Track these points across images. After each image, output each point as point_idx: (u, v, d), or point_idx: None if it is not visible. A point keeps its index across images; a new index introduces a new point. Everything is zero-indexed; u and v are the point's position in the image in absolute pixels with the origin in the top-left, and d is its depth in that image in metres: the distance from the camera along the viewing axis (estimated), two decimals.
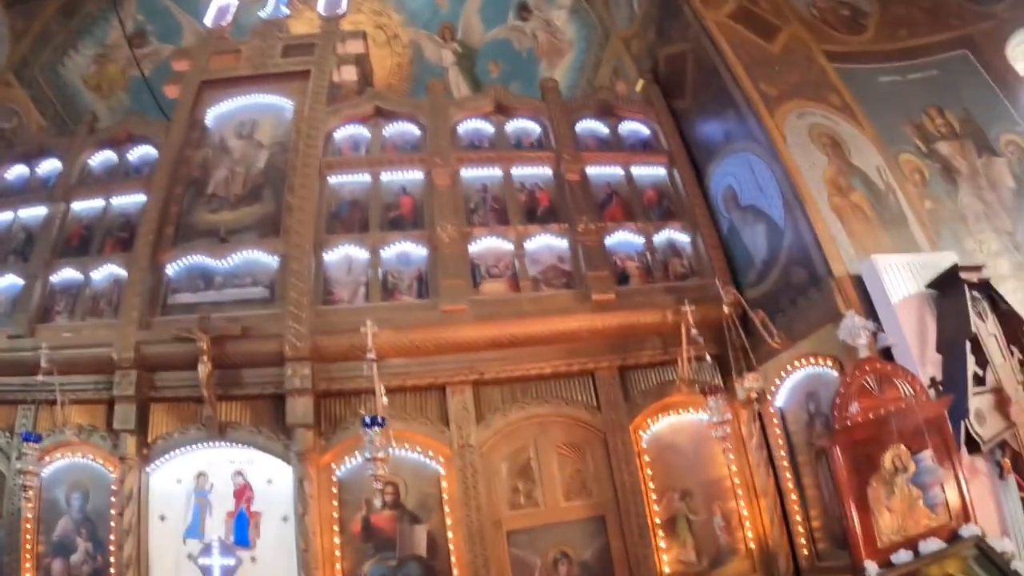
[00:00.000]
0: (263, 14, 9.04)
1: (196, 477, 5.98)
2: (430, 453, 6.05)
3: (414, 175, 7.23)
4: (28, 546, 5.91)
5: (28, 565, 5.86)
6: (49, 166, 7.97)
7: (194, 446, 6.04)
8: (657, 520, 6.22)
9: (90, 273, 6.91)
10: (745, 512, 6.44)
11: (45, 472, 5.96)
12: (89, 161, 7.84)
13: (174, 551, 5.78)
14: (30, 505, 5.95)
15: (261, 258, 6.53)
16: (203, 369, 5.89)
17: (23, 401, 6.42)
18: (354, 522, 5.72)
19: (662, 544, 6.17)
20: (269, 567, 5.63)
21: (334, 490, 5.85)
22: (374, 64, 10.71)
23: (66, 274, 6.97)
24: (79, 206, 7.44)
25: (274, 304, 6.27)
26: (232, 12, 9.38)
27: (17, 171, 8.13)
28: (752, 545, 6.35)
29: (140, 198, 7.19)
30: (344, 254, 6.60)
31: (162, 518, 5.90)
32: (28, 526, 5.94)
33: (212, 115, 7.57)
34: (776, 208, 6.52)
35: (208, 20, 9.44)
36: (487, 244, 6.94)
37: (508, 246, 6.98)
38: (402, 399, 6.19)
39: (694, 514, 6.34)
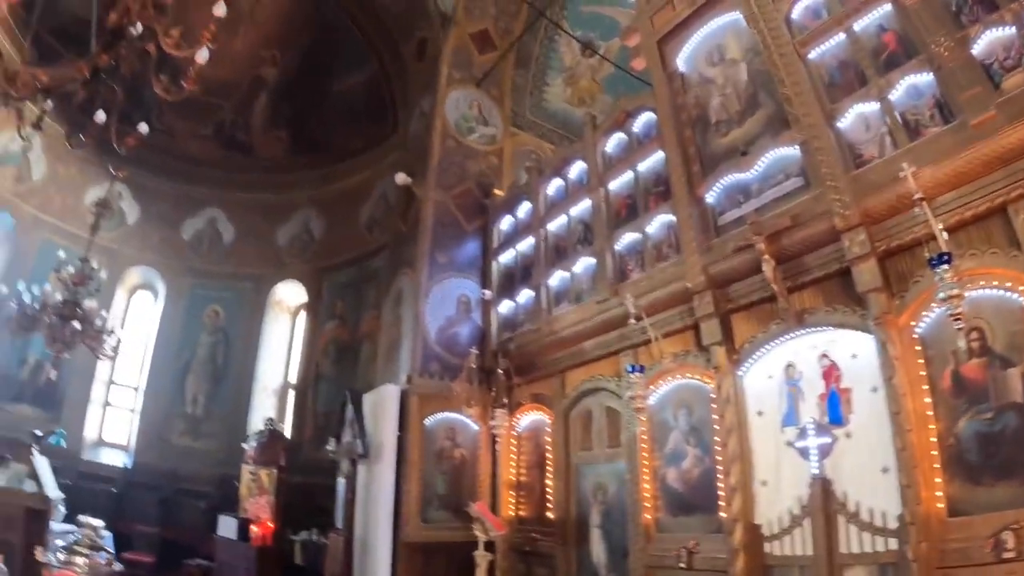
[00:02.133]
0: None
1: (784, 369, 6.48)
2: (1008, 285, 5.36)
3: (883, 8, 7.05)
4: (645, 462, 7.51)
5: (646, 477, 7.47)
6: (577, 169, 9.97)
7: (776, 341, 6.58)
8: None
9: (645, 229, 8.33)
10: None
11: (652, 400, 7.48)
12: (605, 149, 9.47)
13: (773, 441, 6.39)
14: (644, 428, 7.55)
15: (783, 153, 6.87)
16: (768, 268, 6.41)
17: (622, 349, 8.27)
18: (942, 378, 5.47)
19: None
20: (863, 440, 5.78)
21: (917, 348, 5.71)
22: None
23: (627, 239, 8.58)
24: (614, 184, 9.05)
25: (811, 187, 6.53)
26: None
27: (555, 185, 10.40)
28: None
29: (659, 155, 8.37)
30: (855, 114, 6.72)
31: (759, 413, 6.59)
32: (644, 446, 7.55)
33: (681, 61, 8.31)
34: None
35: None
36: (990, 38, 6.38)
37: (1009, 31, 6.30)
38: (965, 235, 5.96)
39: None
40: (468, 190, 12.04)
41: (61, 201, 13.64)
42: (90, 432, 14.00)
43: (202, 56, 4.31)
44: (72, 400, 13.43)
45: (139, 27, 4.34)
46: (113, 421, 14.57)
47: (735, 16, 7.85)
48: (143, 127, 5.95)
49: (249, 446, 11.80)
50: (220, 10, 4.07)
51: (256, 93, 15.87)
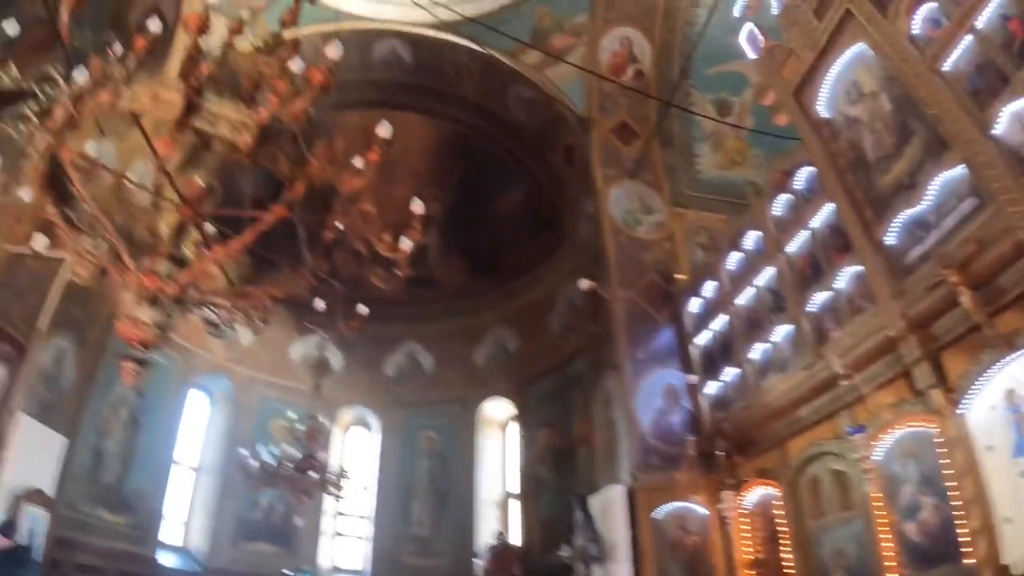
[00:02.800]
0: (774, 9, 9.76)
1: (1005, 396, 6.20)
2: None
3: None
4: (882, 520, 7.27)
5: (885, 535, 7.19)
6: (751, 238, 10.18)
7: (991, 370, 6.30)
8: None
9: (834, 285, 8.31)
10: None
11: (877, 456, 7.34)
12: (774, 213, 9.62)
13: (1008, 474, 6.05)
14: (874, 486, 7.35)
15: (950, 176, 6.75)
16: (965, 298, 6.28)
17: (837, 410, 8.20)
18: None
19: None
20: None
21: None
22: None
23: (818, 298, 8.57)
24: (792, 246, 9.14)
25: (987, 205, 6.21)
26: (758, 31, 10.60)
27: (734, 258, 10.62)
28: None
29: (829, 207, 8.42)
30: (1008, 116, 6.45)
31: (989, 448, 6.26)
32: (877, 503, 7.32)
33: (822, 107, 8.39)
34: None
35: (749, 49, 10.76)
36: None
37: None
38: None
39: None
40: (650, 282, 12.36)
41: (269, 358, 15.41)
42: (324, 562, 15.19)
43: (408, 245, 4.92)
44: (304, 534, 14.67)
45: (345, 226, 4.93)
46: (344, 549, 15.73)
47: (860, 48, 7.88)
48: (363, 309, 6.66)
49: (482, 559, 12.33)
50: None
51: (426, 230, 17.21)
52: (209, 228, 5.11)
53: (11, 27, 4.49)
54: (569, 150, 14.25)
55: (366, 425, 17.09)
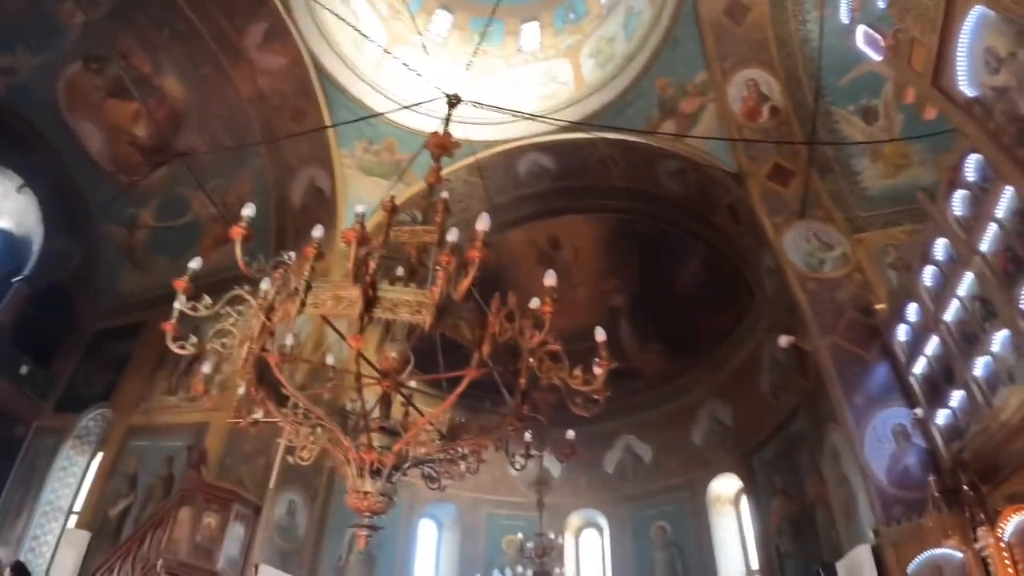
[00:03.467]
0: (881, 2, 9.24)
1: None
2: None
3: None
4: None
5: None
6: (940, 247, 9.43)
7: None
8: None
9: None
10: None
11: None
12: (955, 214, 8.86)
13: None
14: None
15: None
16: None
17: None
18: None
19: None
20: None
21: None
22: None
23: None
24: (984, 244, 8.31)
25: None
26: (872, 31, 9.97)
27: (929, 273, 9.81)
28: None
29: (1008, 191, 7.74)
30: None
31: None
32: None
33: (965, 87, 7.59)
34: None
35: (869, 51, 10.07)
36: None
37: None
38: None
39: None
40: (851, 320, 11.64)
41: (490, 478, 15.64)
42: None
43: (602, 373, 5.10)
44: None
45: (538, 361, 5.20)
46: None
47: (980, 11, 7.29)
48: (570, 434, 6.75)
49: None
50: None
51: (616, 322, 17.40)
52: (413, 384, 5.60)
53: (196, 263, 5.30)
54: (732, 208, 14.04)
55: (595, 526, 17.06)
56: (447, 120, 7.46)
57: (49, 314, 18.94)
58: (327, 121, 15.05)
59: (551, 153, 15.42)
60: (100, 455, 15.48)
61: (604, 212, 16.63)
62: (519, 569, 12.02)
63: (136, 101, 15.94)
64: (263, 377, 5.03)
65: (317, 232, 4.91)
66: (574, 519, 16.92)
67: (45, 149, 18.01)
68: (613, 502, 16.69)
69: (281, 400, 5.14)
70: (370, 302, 4.63)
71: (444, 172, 14.62)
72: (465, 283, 4.49)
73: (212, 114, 16.07)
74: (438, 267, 4.55)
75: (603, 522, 16.79)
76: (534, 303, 4.96)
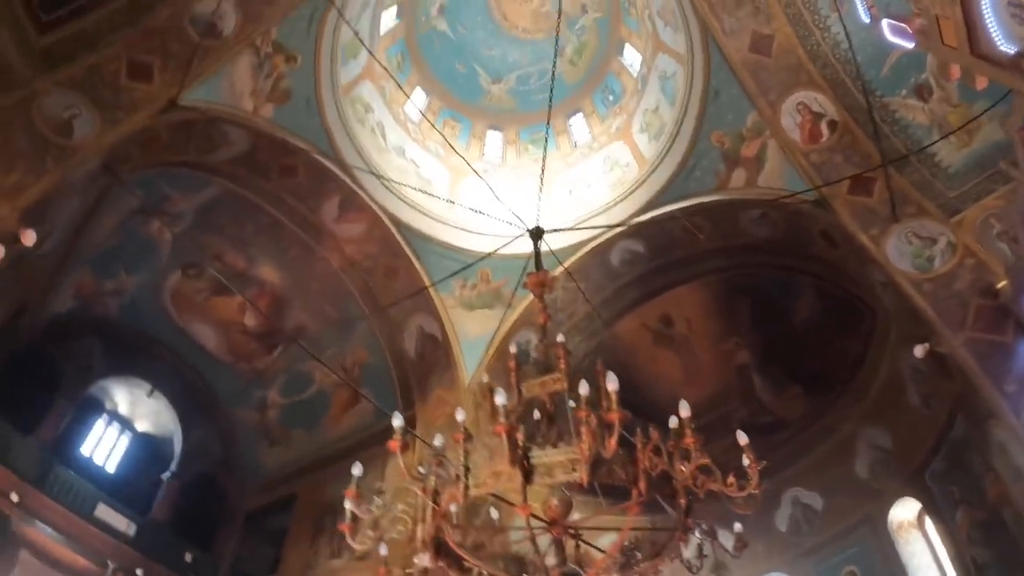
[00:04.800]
0: None
1: None
2: None
3: None
4: None
5: None
6: None
7: None
8: None
9: None
10: None
11: None
12: None
13: None
14: None
15: None
16: None
17: None
18: None
19: None
20: None
21: None
22: None
23: None
24: None
25: None
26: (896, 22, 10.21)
27: None
28: None
29: None
30: None
31: None
32: None
33: (1003, 46, 7.91)
34: None
35: (900, 41, 10.20)
36: None
37: None
38: None
39: None
40: (978, 308, 11.49)
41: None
42: None
43: (754, 473, 5.44)
44: None
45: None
46: None
47: None
48: (738, 527, 6.90)
49: None
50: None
51: (748, 379, 17.30)
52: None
53: (357, 469, 6.05)
54: (825, 235, 14.02)
55: None
56: (537, 255, 8.08)
57: (203, 502, 20.44)
58: (419, 271, 16.19)
59: (637, 237, 15.88)
60: None
61: (704, 277, 16.81)
62: None
63: (238, 295, 17.32)
64: (440, 548, 5.63)
65: (460, 416, 5.60)
66: None
67: (166, 354, 19.91)
68: (795, 560, 16.08)
69: (460, 566, 5.70)
70: (527, 473, 5.17)
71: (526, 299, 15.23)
72: (611, 443, 4.98)
73: (311, 290, 17.49)
74: (581, 424, 5.06)
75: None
76: (672, 422, 5.41)
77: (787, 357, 16.97)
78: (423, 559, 5.82)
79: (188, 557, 19.08)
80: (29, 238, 10.65)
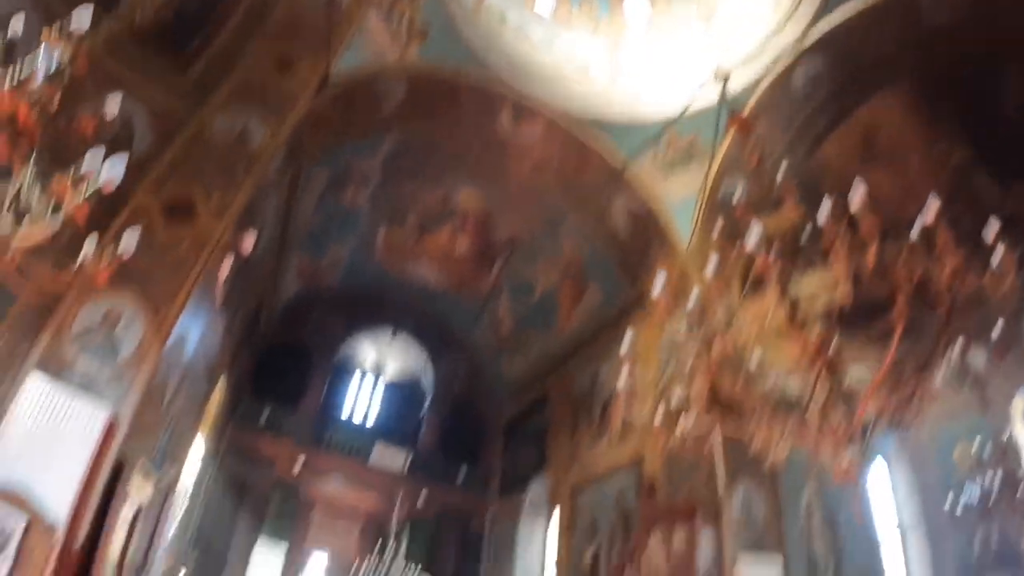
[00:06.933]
0: None
1: None
2: None
3: None
4: None
5: None
6: None
7: None
8: None
9: None
10: None
11: None
12: None
13: None
14: None
15: None
16: None
17: None
18: None
19: None
20: None
21: None
22: None
23: None
24: None
25: None
26: None
27: None
28: None
29: None
30: None
31: None
32: None
33: None
34: None
35: None
36: None
37: None
38: None
39: None
40: None
41: None
42: None
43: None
44: None
45: None
46: None
47: None
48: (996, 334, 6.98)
49: None
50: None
51: (968, 181, 16.05)
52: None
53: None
54: None
55: None
56: (724, 99, 7.72)
57: (463, 424, 22.80)
58: (607, 154, 16.19)
59: (816, 55, 14.87)
60: (554, 520, 17.80)
61: (895, 83, 15.53)
62: (979, 481, 11.30)
63: (445, 229, 18.65)
64: (714, 400, 5.96)
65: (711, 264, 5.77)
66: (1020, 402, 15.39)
67: (395, 302, 21.83)
68: None
69: (734, 414, 6.03)
70: (793, 303, 5.38)
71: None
72: (871, 252, 5.10)
73: (511, 202, 18.30)
74: (834, 242, 5.21)
75: None
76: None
77: (1007, 149, 15.52)
78: (691, 418, 6.08)
79: (461, 474, 21.54)
80: (247, 246, 11.96)
